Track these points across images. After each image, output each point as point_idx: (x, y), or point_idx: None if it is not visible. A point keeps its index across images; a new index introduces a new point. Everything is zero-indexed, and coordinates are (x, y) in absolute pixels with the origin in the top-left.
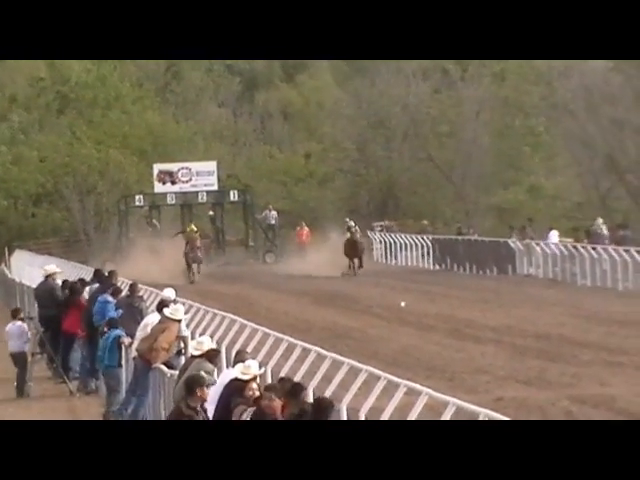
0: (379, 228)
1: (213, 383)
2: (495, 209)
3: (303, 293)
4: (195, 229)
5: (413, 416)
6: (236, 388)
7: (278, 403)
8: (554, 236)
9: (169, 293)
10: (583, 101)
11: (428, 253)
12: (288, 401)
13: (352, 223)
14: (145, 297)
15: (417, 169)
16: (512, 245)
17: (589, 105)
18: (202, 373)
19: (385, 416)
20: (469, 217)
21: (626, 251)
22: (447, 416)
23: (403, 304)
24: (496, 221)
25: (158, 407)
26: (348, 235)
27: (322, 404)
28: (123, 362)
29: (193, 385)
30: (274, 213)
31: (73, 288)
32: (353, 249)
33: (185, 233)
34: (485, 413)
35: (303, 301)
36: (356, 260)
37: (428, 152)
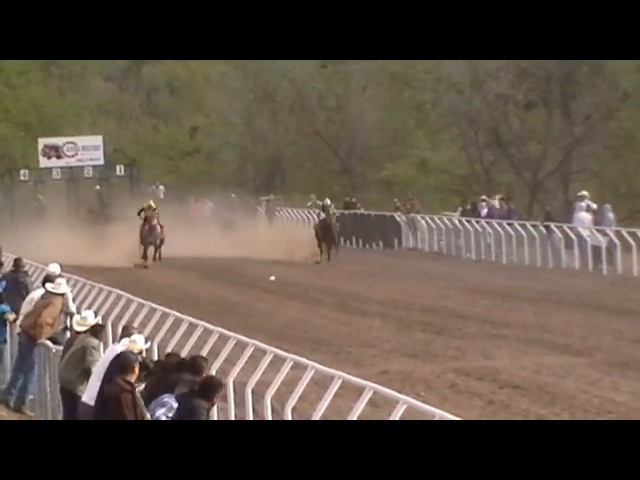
0: (265, 202)
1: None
2: (382, 183)
3: (189, 268)
4: (153, 205)
5: (300, 389)
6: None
7: None
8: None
9: (54, 268)
10: (468, 76)
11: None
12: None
13: (328, 202)
14: (31, 272)
15: (304, 143)
16: (398, 219)
17: (474, 80)
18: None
19: (272, 390)
20: (356, 191)
21: (509, 225)
22: (334, 389)
23: (272, 278)
24: (383, 195)
25: (43, 383)
26: (323, 216)
27: (210, 382)
28: (8, 338)
29: (127, 363)
30: (162, 188)
31: None
32: (328, 232)
33: (145, 209)
34: (371, 386)
35: (189, 276)
36: (324, 244)
37: (315, 126)
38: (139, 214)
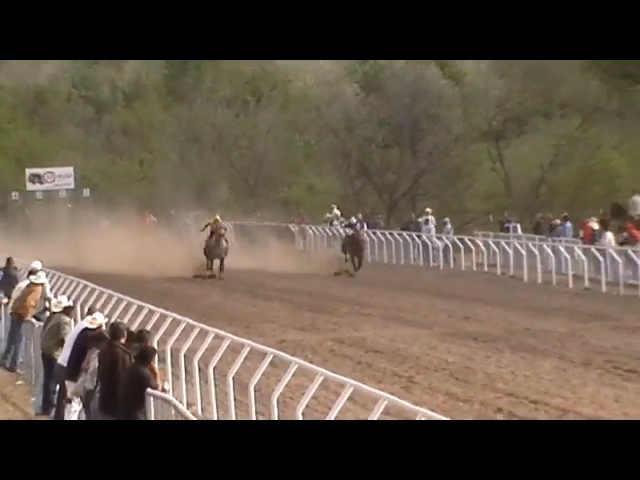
0: (193, 215)
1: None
2: (280, 202)
3: (140, 264)
4: (220, 219)
5: (219, 354)
6: (88, 335)
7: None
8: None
9: (36, 264)
10: (343, 123)
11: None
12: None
13: (354, 220)
14: (19, 267)
15: (222, 173)
16: (292, 229)
17: (347, 126)
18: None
19: (199, 354)
20: (260, 208)
21: (374, 233)
22: (244, 353)
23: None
24: (281, 211)
25: (29, 350)
26: (351, 231)
27: (146, 350)
28: (3, 316)
29: (119, 330)
30: (106, 222)
31: None
32: (356, 246)
33: (210, 223)
34: (272, 352)
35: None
36: (356, 259)
37: (231, 160)
38: (204, 228)
